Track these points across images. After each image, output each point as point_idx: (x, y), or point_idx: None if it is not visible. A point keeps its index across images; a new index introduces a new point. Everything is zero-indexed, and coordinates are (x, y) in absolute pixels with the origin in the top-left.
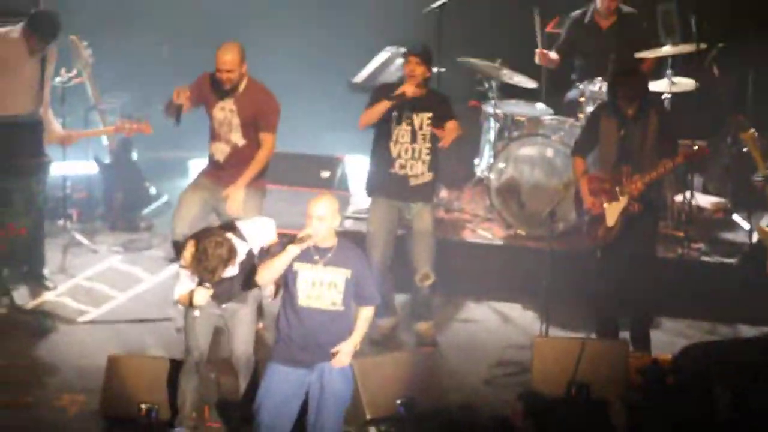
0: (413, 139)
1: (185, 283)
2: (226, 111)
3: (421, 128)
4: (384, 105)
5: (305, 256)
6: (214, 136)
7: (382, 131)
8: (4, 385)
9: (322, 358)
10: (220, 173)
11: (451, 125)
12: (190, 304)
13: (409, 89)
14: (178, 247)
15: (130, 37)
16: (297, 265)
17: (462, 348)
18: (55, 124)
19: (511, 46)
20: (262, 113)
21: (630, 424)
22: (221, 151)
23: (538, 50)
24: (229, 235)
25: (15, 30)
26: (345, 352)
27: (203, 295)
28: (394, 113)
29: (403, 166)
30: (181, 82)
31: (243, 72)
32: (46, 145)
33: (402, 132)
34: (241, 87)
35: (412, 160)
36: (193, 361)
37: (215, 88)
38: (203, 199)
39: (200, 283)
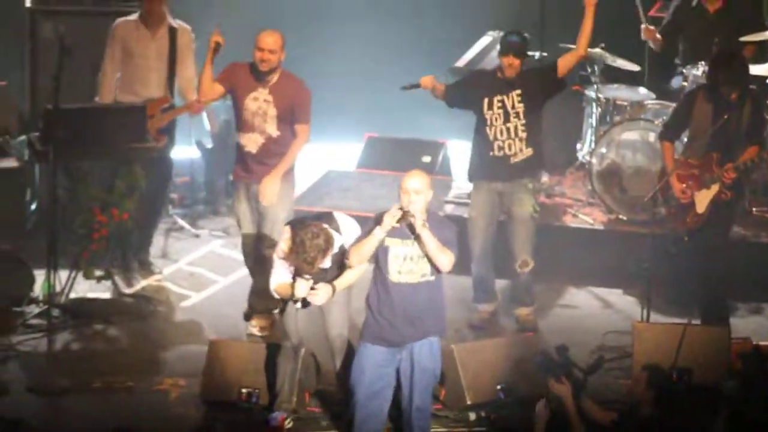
0: (506, 119)
1: (281, 273)
2: (260, 101)
3: (513, 107)
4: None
5: (397, 232)
6: (245, 126)
7: (479, 118)
8: (106, 368)
9: (412, 336)
10: (253, 168)
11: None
12: (290, 297)
13: None
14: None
15: (232, 18)
16: (388, 241)
17: (562, 333)
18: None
19: (614, 30)
20: (299, 104)
21: (731, 409)
22: (254, 141)
23: (643, 26)
24: (325, 225)
25: (133, 15)
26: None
27: (304, 288)
28: (485, 99)
29: (501, 148)
30: (284, 61)
31: (281, 59)
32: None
33: (495, 115)
34: (276, 77)
35: (509, 139)
36: (290, 346)
37: (248, 77)
38: (251, 209)
39: (297, 275)
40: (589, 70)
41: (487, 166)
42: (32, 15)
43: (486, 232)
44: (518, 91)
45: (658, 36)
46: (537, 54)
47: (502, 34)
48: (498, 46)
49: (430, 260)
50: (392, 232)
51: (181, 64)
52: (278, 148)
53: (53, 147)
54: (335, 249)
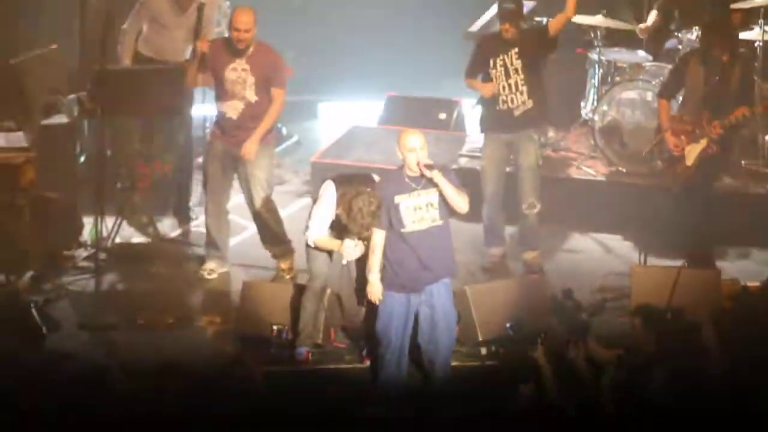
0: (507, 76)
1: (319, 226)
2: (238, 71)
3: (512, 64)
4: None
5: (402, 188)
6: (226, 95)
7: (485, 78)
8: (148, 307)
9: (427, 279)
10: (234, 132)
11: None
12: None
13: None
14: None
15: None
16: (397, 198)
17: (566, 275)
18: None
19: None
20: (275, 70)
21: (721, 344)
22: (235, 108)
23: (640, 26)
24: (369, 189)
25: None
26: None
27: (353, 250)
28: (491, 60)
29: (504, 101)
30: (312, 26)
31: (254, 33)
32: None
33: (498, 73)
34: (251, 48)
35: (511, 94)
36: (315, 288)
37: (224, 50)
38: (223, 168)
39: (346, 235)
40: (592, 35)
41: (494, 119)
42: None
43: (497, 179)
44: (516, 50)
45: (650, 21)
46: (544, 19)
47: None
48: None
49: (440, 206)
50: (397, 190)
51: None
52: (257, 111)
53: (100, 105)
54: None
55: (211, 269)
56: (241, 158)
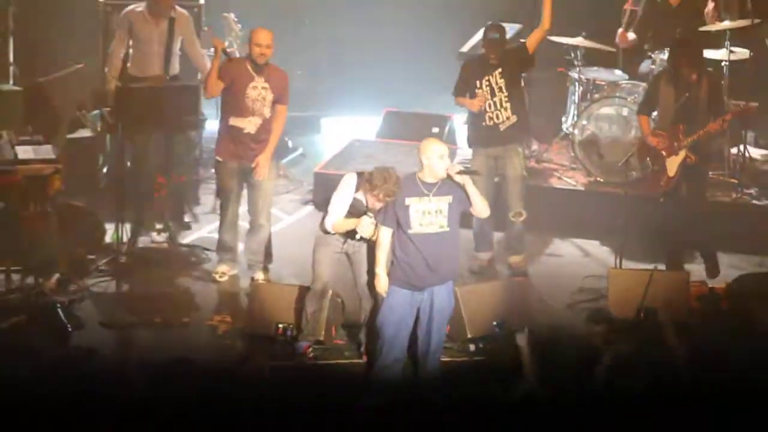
0: (492, 94)
1: (338, 210)
2: (259, 89)
3: (496, 83)
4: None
5: (415, 191)
6: (246, 111)
7: (472, 95)
8: (165, 307)
9: (432, 281)
10: (251, 146)
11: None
12: (352, 233)
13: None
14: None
15: (275, 11)
16: (408, 200)
17: (548, 277)
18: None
19: (594, 20)
20: (285, 89)
21: (686, 341)
22: (254, 124)
23: (620, 31)
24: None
25: (140, 5)
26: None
27: (369, 225)
28: (477, 81)
29: (491, 118)
30: (317, 47)
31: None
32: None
33: (483, 92)
34: (268, 67)
35: (497, 110)
36: (317, 289)
37: (245, 69)
38: (239, 182)
39: (364, 214)
40: (573, 54)
41: (482, 135)
42: (104, 8)
43: (485, 190)
44: (499, 70)
45: (630, 38)
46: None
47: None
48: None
49: (450, 214)
50: (410, 192)
51: (190, 46)
52: (269, 126)
53: (121, 120)
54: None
55: (223, 272)
56: (253, 169)
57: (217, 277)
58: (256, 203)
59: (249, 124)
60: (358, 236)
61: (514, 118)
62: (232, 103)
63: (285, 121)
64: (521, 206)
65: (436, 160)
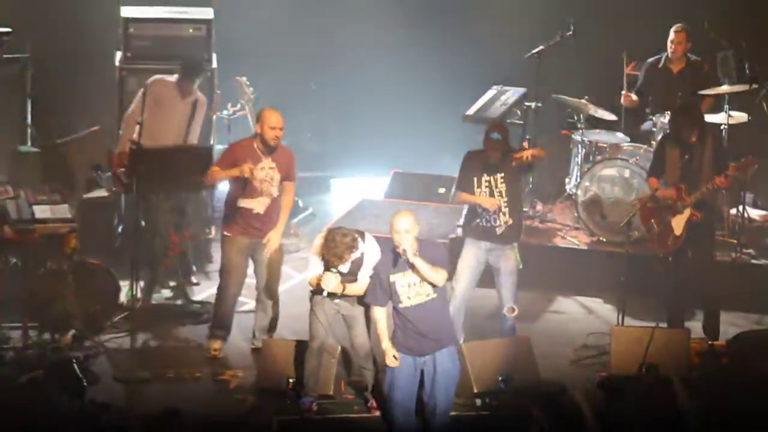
0: (491, 196)
1: (315, 269)
2: (266, 170)
3: (497, 187)
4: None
5: (398, 267)
6: (254, 192)
7: (470, 191)
8: (178, 362)
9: (431, 347)
10: (258, 226)
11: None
12: (320, 287)
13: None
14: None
15: (284, 75)
16: (393, 277)
17: (552, 334)
18: None
19: (597, 84)
20: (291, 166)
21: (690, 397)
22: (263, 204)
23: (624, 92)
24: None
25: (173, 76)
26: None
27: (332, 280)
28: (475, 178)
29: (488, 221)
30: (325, 110)
31: None
32: None
33: (482, 192)
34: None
35: (494, 214)
36: (313, 347)
37: (252, 152)
38: (246, 259)
39: (327, 269)
40: (576, 118)
41: (477, 231)
42: (120, 72)
43: (468, 283)
44: (501, 174)
45: (634, 99)
46: (533, 104)
47: (505, 88)
48: (501, 98)
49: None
50: (393, 269)
51: (194, 129)
52: (277, 204)
53: (136, 180)
54: (357, 254)
55: (216, 348)
56: (262, 245)
57: (212, 352)
58: (264, 279)
59: (258, 205)
60: (324, 292)
61: (510, 221)
62: (241, 185)
63: (294, 196)
64: (514, 301)
65: (393, 234)
